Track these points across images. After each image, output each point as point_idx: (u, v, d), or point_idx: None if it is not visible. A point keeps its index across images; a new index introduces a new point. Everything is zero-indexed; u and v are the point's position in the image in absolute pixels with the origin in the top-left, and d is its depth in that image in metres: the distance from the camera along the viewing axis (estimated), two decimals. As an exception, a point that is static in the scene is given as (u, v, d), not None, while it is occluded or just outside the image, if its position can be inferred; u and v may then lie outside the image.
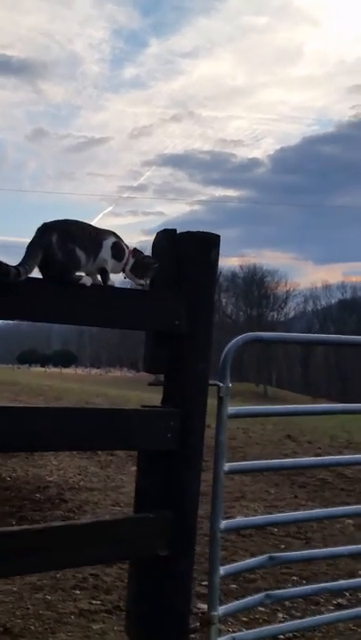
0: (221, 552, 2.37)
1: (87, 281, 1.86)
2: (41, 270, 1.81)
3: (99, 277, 1.94)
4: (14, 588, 3.44)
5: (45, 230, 1.82)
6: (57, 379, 43.45)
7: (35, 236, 1.81)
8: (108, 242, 1.95)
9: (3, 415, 1.75)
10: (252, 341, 2.40)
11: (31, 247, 1.78)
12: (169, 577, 2.08)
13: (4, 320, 1.79)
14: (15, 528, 2.12)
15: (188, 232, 2.07)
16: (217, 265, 2.09)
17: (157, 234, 2.10)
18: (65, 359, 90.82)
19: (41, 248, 1.79)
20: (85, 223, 1.95)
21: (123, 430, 1.95)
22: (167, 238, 2.08)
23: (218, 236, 2.09)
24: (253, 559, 2.78)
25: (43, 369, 75.44)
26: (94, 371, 79.19)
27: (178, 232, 2.08)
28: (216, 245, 2.08)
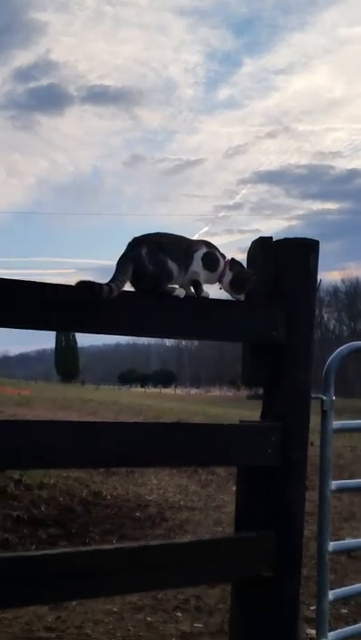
0: (331, 575, 2.25)
1: (180, 293, 1.82)
2: (133, 284, 1.78)
3: (192, 289, 1.89)
4: (115, 608, 3.42)
5: (135, 244, 1.79)
6: (157, 398, 43.93)
7: (125, 250, 1.79)
8: (200, 253, 1.88)
9: (101, 431, 1.73)
10: (358, 351, 2.28)
11: (121, 261, 1.76)
12: (274, 600, 1.98)
13: (99, 334, 1.76)
14: (110, 546, 2.09)
15: (285, 239, 1.99)
16: (316, 272, 1.99)
17: (253, 242, 2.03)
18: (164, 379, 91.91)
19: (131, 261, 1.76)
20: (178, 235, 1.89)
21: (220, 446, 1.87)
22: (263, 246, 2.00)
23: (317, 242, 2.00)
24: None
25: (142, 389, 76.63)
26: (194, 390, 79.54)
27: (274, 239, 2.01)
28: (315, 251, 1.99)
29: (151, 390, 74.82)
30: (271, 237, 2.00)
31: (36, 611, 3.30)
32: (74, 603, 3.40)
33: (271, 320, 1.93)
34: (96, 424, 1.73)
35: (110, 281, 1.70)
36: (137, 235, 1.83)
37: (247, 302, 1.97)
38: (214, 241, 1.93)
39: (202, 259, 1.88)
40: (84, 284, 1.64)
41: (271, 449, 1.94)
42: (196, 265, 1.87)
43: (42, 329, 1.69)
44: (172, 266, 1.80)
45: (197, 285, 1.89)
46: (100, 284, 1.66)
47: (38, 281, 1.65)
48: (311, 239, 1.99)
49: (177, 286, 1.84)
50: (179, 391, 77.19)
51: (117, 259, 1.78)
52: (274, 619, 1.94)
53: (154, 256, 1.78)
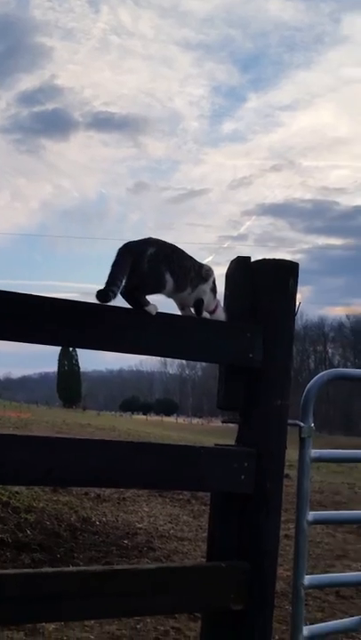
0: (317, 613, 2.18)
1: (152, 309, 1.77)
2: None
3: (191, 310, 1.91)
4: (92, 637, 3.32)
5: (147, 241, 1.79)
6: (157, 427, 43.64)
7: (133, 242, 1.77)
8: (212, 276, 1.92)
9: (64, 448, 1.67)
10: (338, 379, 2.23)
11: (121, 253, 1.73)
12: (244, 635, 1.90)
13: (67, 347, 1.73)
14: (73, 569, 2.01)
15: (263, 259, 1.95)
16: (295, 294, 1.94)
17: (231, 262, 1.99)
18: (167, 407, 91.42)
19: (131, 255, 1.73)
20: (188, 255, 1.90)
21: (191, 469, 1.81)
22: (241, 265, 1.96)
23: (296, 264, 1.96)
24: (345, 620, 2.53)
25: (144, 417, 76.17)
26: (196, 420, 79.01)
27: (252, 260, 1.97)
28: (295, 273, 1.94)
29: (153, 418, 74.36)
30: (249, 257, 1.96)
31: (12, 636, 3.20)
32: (50, 628, 3.31)
33: (247, 342, 1.88)
34: (57, 439, 1.67)
35: (108, 285, 1.67)
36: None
37: (222, 323, 1.93)
38: (219, 271, 1.97)
39: (212, 281, 1.93)
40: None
41: (245, 475, 1.88)
42: (208, 286, 1.90)
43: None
44: (168, 280, 1.79)
45: (200, 304, 1.90)
46: (108, 293, 1.66)
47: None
48: (291, 261, 1.95)
49: (153, 303, 1.80)
50: (181, 420, 76.70)
51: (121, 245, 1.76)
52: (242, 654, 1.85)
53: (156, 261, 1.76)
